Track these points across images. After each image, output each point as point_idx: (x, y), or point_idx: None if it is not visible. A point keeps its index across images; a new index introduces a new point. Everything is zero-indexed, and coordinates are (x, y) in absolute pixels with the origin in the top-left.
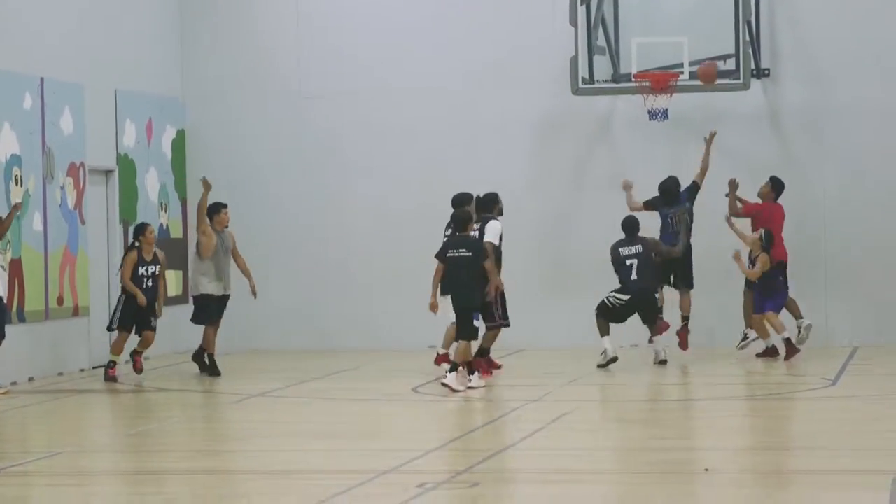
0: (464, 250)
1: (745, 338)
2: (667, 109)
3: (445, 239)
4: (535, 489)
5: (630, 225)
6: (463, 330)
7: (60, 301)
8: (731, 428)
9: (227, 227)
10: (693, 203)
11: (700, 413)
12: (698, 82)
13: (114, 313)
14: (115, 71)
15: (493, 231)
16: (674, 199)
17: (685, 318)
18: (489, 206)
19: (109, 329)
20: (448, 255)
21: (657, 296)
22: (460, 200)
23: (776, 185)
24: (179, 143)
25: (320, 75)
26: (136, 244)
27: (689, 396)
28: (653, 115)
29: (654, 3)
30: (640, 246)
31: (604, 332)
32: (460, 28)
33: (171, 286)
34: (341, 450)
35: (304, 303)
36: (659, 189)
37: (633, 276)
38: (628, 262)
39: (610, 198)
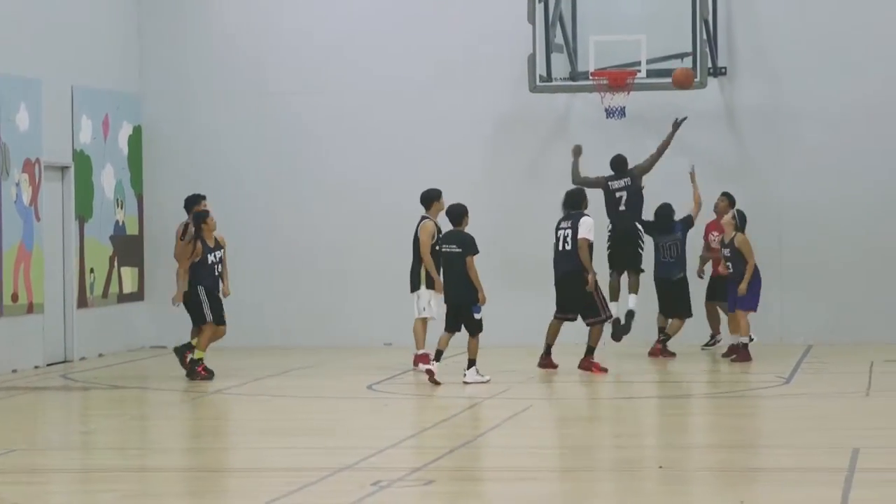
0: (454, 245)
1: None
2: (624, 107)
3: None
4: (490, 487)
5: (618, 161)
6: (469, 326)
7: (15, 298)
8: (686, 426)
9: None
10: (686, 234)
11: (655, 411)
12: (657, 80)
13: (199, 306)
14: (71, 67)
15: (586, 226)
16: (667, 226)
17: (667, 337)
18: (578, 202)
19: (216, 322)
20: (442, 249)
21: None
22: (429, 196)
23: (733, 202)
24: (136, 140)
25: (279, 72)
26: (196, 232)
27: (645, 394)
28: (610, 113)
29: (611, 1)
30: (628, 179)
31: (613, 296)
32: (419, 25)
33: (126, 283)
34: (297, 447)
35: (260, 300)
36: (655, 213)
37: (622, 208)
38: (617, 195)
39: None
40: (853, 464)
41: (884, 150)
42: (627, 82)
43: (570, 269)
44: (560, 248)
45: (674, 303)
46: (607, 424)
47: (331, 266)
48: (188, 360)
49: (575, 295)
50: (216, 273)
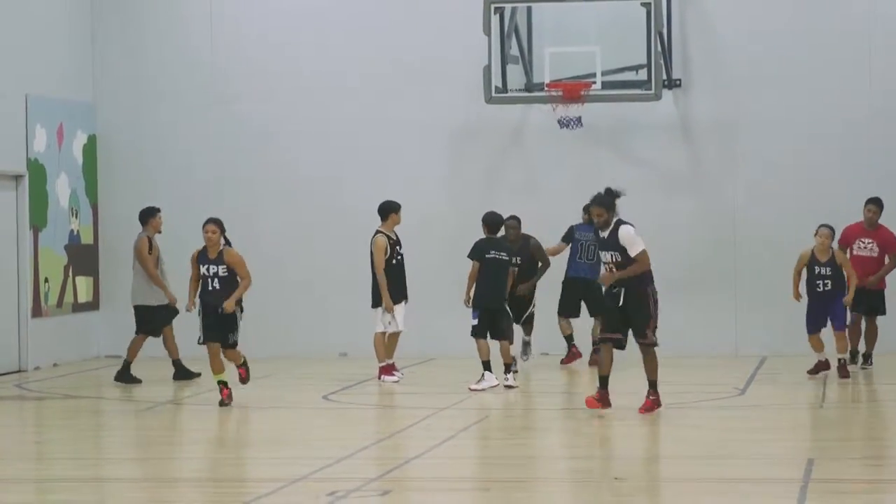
0: (504, 253)
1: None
2: (580, 118)
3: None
4: (445, 497)
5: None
6: (499, 331)
7: None
8: (641, 436)
9: (160, 231)
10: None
11: (610, 422)
12: (612, 92)
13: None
14: (25, 75)
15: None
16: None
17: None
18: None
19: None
20: (489, 256)
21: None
22: (388, 208)
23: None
24: (90, 149)
25: (235, 79)
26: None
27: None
28: (564, 123)
29: (567, 12)
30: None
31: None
32: (376, 35)
33: (81, 292)
34: (252, 458)
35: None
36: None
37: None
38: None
39: (521, 205)
40: (808, 475)
41: (837, 162)
42: (582, 94)
43: None
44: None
45: (594, 303)
46: (562, 435)
47: (285, 276)
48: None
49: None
50: (209, 288)
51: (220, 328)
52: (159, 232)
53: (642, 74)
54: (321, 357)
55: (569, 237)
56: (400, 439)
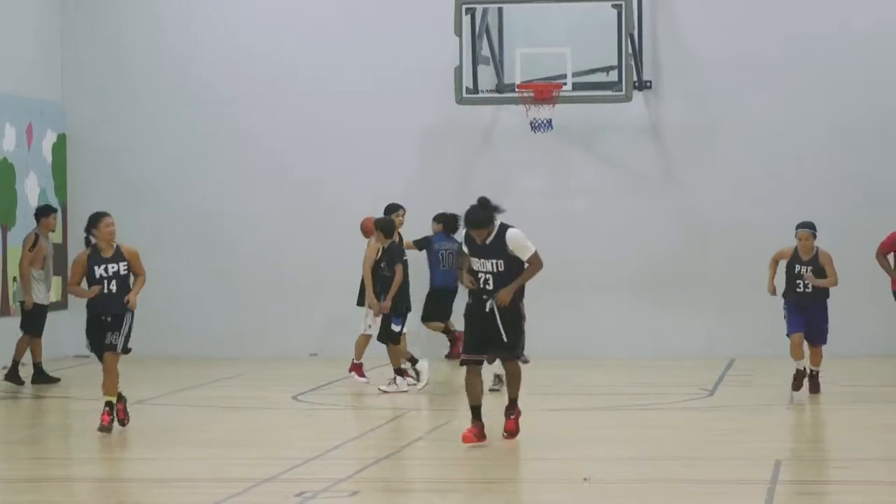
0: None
1: None
2: (551, 120)
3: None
4: (414, 498)
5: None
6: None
7: None
8: (610, 438)
9: (53, 231)
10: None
11: (579, 423)
12: (583, 93)
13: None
14: None
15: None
16: (454, 231)
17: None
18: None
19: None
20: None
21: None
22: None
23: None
24: (60, 148)
25: (206, 79)
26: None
27: (569, 406)
28: (535, 126)
29: (538, 14)
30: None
31: None
32: (346, 36)
33: (52, 292)
34: (220, 458)
35: (183, 310)
36: (441, 217)
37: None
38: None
39: None
40: (776, 476)
41: (807, 165)
42: (553, 95)
43: None
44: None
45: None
46: (531, 436)
47: (257, 276)
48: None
49: None
50: (105, 290)
51: (109, 332)
52: (52, 231)
53: (613, 76)
54: (291, 357)
55: (424, 245)
56: (369, 440)
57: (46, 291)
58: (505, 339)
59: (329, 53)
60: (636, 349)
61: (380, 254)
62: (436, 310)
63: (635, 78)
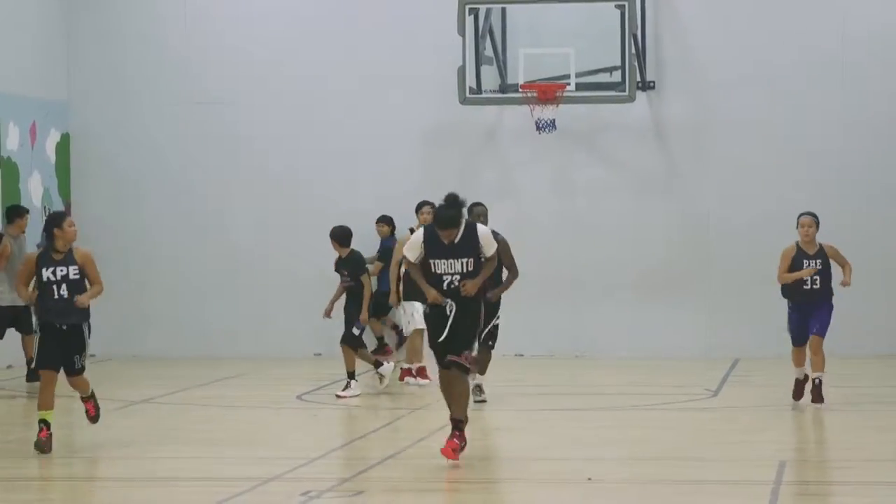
0: None
1: None
2: (554, 120)
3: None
4: (419, 498)
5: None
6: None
7: None
8: (614, 438)
9: (23, 232)
10: None
11: (583, 423)
12: (587, 93)
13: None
14: None
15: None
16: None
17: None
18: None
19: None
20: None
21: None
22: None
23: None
24: (64, 147)
25: (210, 79)
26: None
27: (573, 406)
28: (540, 126)
29: (541, 14)
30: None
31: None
32: (349, 36)
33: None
34: (225, 457)
35: (188, 309)
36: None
37: None
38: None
39: (496, 207)
40: (779, 477)
41: (810, 165)
42: (556, 95)
43: None
44: None
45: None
46: (535, 436)
47: (259, 275)
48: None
49: None
50: (55, 296)
51: (64, 350)
52: (22, 232)
53: (616, 76)
54: (295, 357)
55: (384, 253)
56: (373, 439)
57: (10, 292)
58: (446, 337)
59: (331, 54)
60: (640, 349)
61: (337, 263)
62: (379, 308)
63: (638, 78)
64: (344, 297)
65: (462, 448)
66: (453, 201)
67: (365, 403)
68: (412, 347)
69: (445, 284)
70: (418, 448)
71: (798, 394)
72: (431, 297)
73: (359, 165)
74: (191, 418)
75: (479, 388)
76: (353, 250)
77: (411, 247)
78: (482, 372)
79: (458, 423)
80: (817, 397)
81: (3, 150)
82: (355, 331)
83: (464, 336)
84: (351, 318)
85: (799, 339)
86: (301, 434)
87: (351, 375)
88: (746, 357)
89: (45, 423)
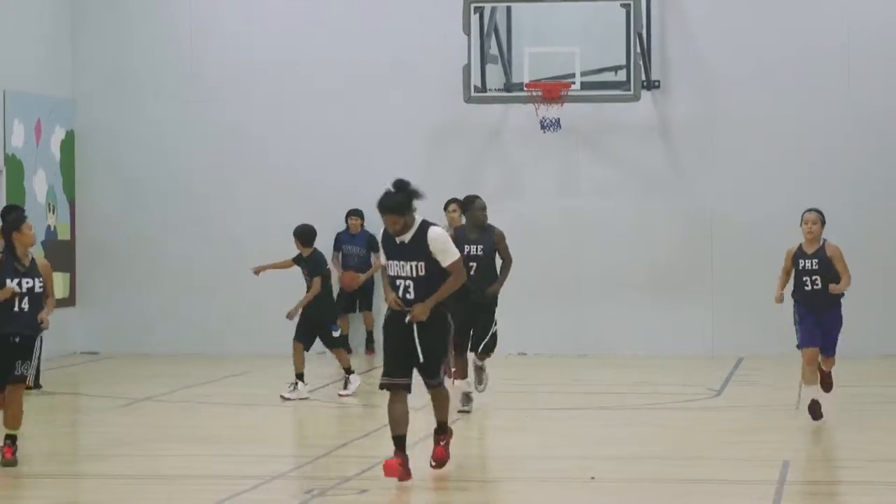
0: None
1: None
2: (559, 119)
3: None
4: (422, 496)
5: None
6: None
7: None
8: (617, 437)
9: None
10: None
11: (586, 422)
12: (591, 92)
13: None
14: (3, 71)
15: None
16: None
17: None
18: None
19: None
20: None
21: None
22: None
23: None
24: (69, 144)
25: (215, 76)
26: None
27: (575, 405)
28: (545, 125)
29: (546, 13)
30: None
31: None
32: (354, 34)
33: (57, 288)
34: (228, 455)
35: (192, 306)
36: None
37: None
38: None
39: (500, 205)
40: (783, 476)
41: (815, 162)
42: (561, 94)
43: None
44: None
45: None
46: (538, 435)
47: (264, 273)
48: None
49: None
50: (15, 309)
51: (7, 356)
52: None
53: (621, 75)
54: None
55: (337, 247)
56: (376, 438)
57: None
58: (422, 359)
59: (336, 52)
60: (643, 348)
61: (297, 260)
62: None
63: (644, 77)
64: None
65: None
66: (401, 186)
67: (369, 402)
68: None
69: (400, 291)
70: (422, 446)
71: (817, 413)
72: (390, 301)
73: (364, 163)
74: (194, 416)
75: (467, 397)
76: (315, 250)
77: (381, 250)
78: (464, 376)
79: (441, 426)
80: (827, 385)
81: (8, 147)
82: (334, 333)
83: (433, 351)
84: (323, 322)
85: (805, 340)
86: (305, 432)
87: (348, 371)
88: (751, 356)
89: (12, 439)
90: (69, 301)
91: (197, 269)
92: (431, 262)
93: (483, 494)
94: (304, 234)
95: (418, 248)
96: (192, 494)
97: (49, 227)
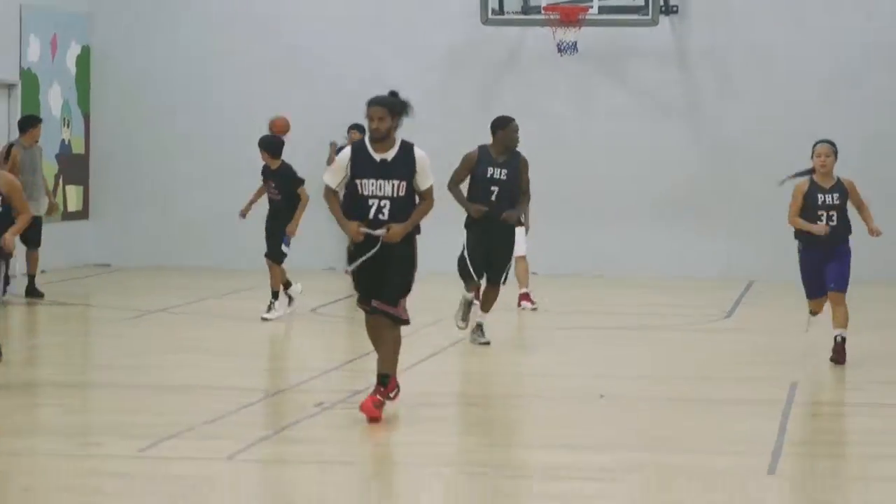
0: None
1: None
2: (576, 42)
3: None
4: (430, 411)
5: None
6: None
7: None
8: (627, 357)
9: (37, 142)
10: None
11: (598, 341)
12: (609, 16)
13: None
14: None
15: None
16: None
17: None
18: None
19: None
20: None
21: None
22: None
23: None
24: (84, 60)
25: None
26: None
27: (588, 325)
28: (562, 48)
29: None
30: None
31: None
32: None
33: (71, 201)
34: (240, 368)
35: (205, 221)
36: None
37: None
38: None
39: None
40: (791, 396)
41: (833, 90)
42: (579, 17)
43: None
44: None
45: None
46: (547, 353)
47: None
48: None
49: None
50: None
51: None
52: (36, 142)
53: (639, 0)
54: (310, 270)
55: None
56: None
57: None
58: (382, 281)
59: None
60: (657, 270)
61: (265, 172)
62: None
63: (661, 2)
64: (268, 209)
65: (390, 399)
66: (394, 93)
67: None
68: (521, 272)
69: (372, 212)
70: (430, 363)
71: (840, 356)
72: (353, 233)
73: (382, 85)
74: (205, 328)
75: (480, 329)
76: (283, 162)
77: (334, 171)
78: (486, 310)
79: (382, 378)
80: (840, 356)
81: (24, 61)
82: (284, 248)
83: (397, 281)
84: (276, 233)
85: (812, 291)
86: (314, 346)
87: (275, 295)
88: (761, 280)
89: None
90: (82, 214)
91: (209, 186)
92: (411, 184)
93: (489, 411)
94: (273, 145)
95: (404, 166)
96: (201, 405)
97: (63, 140)
